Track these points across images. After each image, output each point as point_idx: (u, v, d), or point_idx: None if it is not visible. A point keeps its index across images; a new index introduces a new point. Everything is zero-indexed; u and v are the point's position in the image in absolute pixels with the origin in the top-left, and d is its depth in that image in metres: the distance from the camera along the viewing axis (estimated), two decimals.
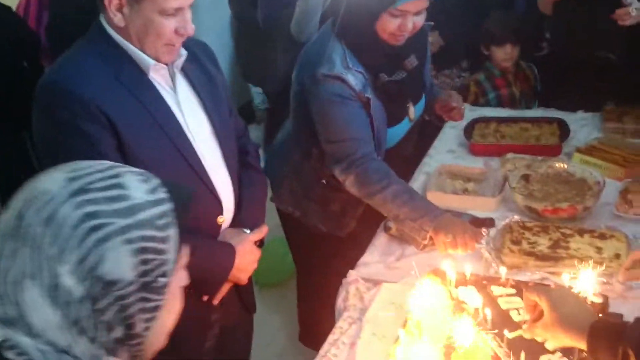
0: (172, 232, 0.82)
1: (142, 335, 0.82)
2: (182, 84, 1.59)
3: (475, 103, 3.03)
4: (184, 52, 1.57)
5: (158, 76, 1.53)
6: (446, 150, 2.58)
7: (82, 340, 0.77)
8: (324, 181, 2.10)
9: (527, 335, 1.29)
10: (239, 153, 1.78)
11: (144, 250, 0.77)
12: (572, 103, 2.75)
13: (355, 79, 1.92)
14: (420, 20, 1.92)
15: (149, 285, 0.79)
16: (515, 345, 1.38)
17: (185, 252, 0.86)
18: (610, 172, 2.21)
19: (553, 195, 2.05)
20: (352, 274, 1.84)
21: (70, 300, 0.74)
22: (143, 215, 0.78)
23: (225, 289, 1.68)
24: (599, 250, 1.80)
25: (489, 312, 1.49)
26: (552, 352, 1.35)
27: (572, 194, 2.04)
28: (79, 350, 0.77)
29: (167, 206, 0.81)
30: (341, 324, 1.69)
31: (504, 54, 3.01)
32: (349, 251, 1.99)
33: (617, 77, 2.76)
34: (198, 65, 1.66)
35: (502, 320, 1.51)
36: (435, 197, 2.10)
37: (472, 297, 1.58)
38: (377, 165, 1.93)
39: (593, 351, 1.13)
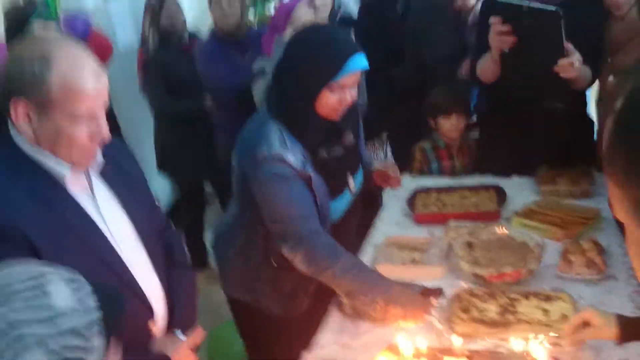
0: (98, 342, 0.81)
1: None
2: (100, 188, 1.56)
3: (420, 170, 3.14)
4: (100, 158, 1.53)
5: (75, 184, 1.48)
6: (391, 221, 2.63)
7: None
8: (274, 262, 2.08)
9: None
10: (164, 251, 1.74)
11: (65, 357, 0.76)
12: (507, 168, 2.85)
13: (294, 157, 1.94)
14: (355, 93, 1.98)
15: None
16: None
17: (115, 353, 0.85)
18: (549, 234, 2.29)
19: (497, 260, 2.10)
20: (306, 358, 1.82)
21: None
22: (67, 325, 0.77)
23: None
24: (546, 312, 1.84)
25: None
26: None
27: (515, 259, 2.09)
28: None
29: (94, 315, 0.81)
30: None
31: (450, 125, 3.12)
32: (303, 333, 1.96)
33: (561, 128, 2.75)
34: (115, 167, 1.62)
35: None
36: (385, 270, 2.12)
37: None
38: (325, 240, 1.95)
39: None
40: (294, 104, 1.96)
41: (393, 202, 2.76)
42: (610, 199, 0.67)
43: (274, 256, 2.07)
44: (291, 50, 1.98)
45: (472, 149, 3.20)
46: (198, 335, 1.70)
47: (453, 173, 3.14)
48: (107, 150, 1.56)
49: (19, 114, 1.37)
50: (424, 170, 3.17)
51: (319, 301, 2.12)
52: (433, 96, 3.21)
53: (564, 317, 1.80)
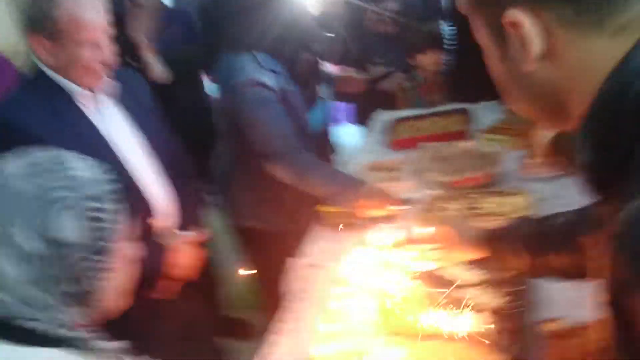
0: (116, 207, 1.00)
1: (92, 292, 0.99)
2: (112, 108, 1.83)
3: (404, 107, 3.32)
4: (112, 82, 1.81)
5: (87, 102, 1.76)
6: (370, 150, 2.82)
7: (41, 294, 0.93)
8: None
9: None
10: (175, 169, 1.98)
11: (89, 218, 0.95)
12: (476, 94, 3.02)
13: (268, 77, 2.15)
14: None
15: (96, 247, 0.96)
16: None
17: (128, 226, 1.05)
18: (512, 144, 2.49)
19: (463, 168, 2.30)
20: (291, 262, 2.03)
21: (32, 261, 0.91)
22: (88, 190, 0.96)
23: (169, 286, 1.88)
24: (502, 205, 2.04)
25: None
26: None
27: (478, 165, 2.30)
28: (41, 301, 0.93)
29: (108, 186, 1.00)
30: (286, 305, 1.88)
31: (427, 60, 3.28)
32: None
33: None
34: (128, 92, 1.89)
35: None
36: None
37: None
38: (303, 155, 2.18)
39: (495, 254, 1.37)
40: (252, 32, 2.16)
41: (371, 134, 2.95)
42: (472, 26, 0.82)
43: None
44: None
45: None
46: (201, 232, 1.98)
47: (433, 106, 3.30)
48: (124, 79, 1.86)
49: (37, 46, 1.66)
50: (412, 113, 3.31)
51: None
52: (409, 34, 3.37)
53: (519, 209, 2.01)
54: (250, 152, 2.22)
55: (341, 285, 1.77)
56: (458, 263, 1.58)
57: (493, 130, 2.65)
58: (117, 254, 1.01)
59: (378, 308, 1.61)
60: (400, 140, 2.77)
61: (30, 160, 0.96)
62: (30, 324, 0.91)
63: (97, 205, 0.97)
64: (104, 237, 0.97)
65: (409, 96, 3.34)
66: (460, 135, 2.66)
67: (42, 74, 1.71)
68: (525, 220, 1.36)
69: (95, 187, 0.98)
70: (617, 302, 0.65)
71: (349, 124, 4.09)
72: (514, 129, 2.60)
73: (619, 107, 0.65)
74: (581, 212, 1.20)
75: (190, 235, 1.96)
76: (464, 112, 2.87)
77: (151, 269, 1.80)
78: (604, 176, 0.68)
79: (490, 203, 2.07)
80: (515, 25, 0.68)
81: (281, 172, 2.18)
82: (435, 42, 3.29)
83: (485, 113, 2.91)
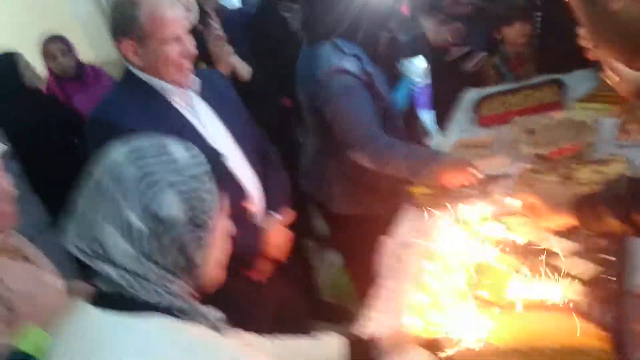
0: (212, 186, 1.08)
1: (198, 264, 1.08)
2: (199, 103, 1.93)
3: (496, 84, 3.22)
4: (196, 79, 1.91)
5: (178, 99, 1.86)
6: (459, 130, 2.80)
7: (153, 267, 1.02)
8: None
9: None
10: (261, 157, 2.09)
11: (190, 198, 1.04)
12: (569, 63, 2.92)
13: (351, 63, 2.18)
14: None
15: (198, 224, 1.05)
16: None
17: (226, 203, 1.13)
18: (609, 112, 2.40)
19: (556, 139, 2.24)
20: (384, 240, 2.06)
21: (142, 237, 1.00)
22: (189, 172, 1.05)
23: (264, 265, 1.98)
24: (602, 174, 1.98)
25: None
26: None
27: (574, 134, 2.23)
28: (152, 274, 1.02)
29: (205, 167, 1.09)
30: (381, 282, 1.92)
31: (515, 33, 3.16)
32: None
33: None
34: (214, 90, 2.00)
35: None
36: None
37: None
38: (385, 139, 2.19)
39: (582, 221, 1.34)
40: (333, 19, 2.21)
41: (459, 113, 2.93)
42: None
43: None
44: None
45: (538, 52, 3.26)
46: (289, 214, 2.08)
47: (525, 79, 3.21)
48: (206, 78, 1.96)
49: (126, 49, 1.78)
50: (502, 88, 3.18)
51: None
52: (494, 5, 3.28)
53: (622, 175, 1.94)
54: (338, 142, 2.26)
55: (432, 260, 1.79)
56: (547, 233, 1.56)
57: (588, 98, 2.57)
58: (215, 229, 1.09)
59: (469, 280, 1.62)
60: (491, 116, 2.73)
61: (135, 146, 1.06)
62: (139, 294, 1.01)
63: (197, 184, 1.05)
64: (203, 213, 1.05)
65: (499, 72, 3.26)
66: (554, 107, 2.59)
67: (133, 76, 1.82)
68: (614, 183, 1.33)
69: (194, 168, 1.06)
70: None
71: (428, 110, 4.01)
72: (609, 96, 2.50)
73: None
74: None
75: (279, 217, 2.06)
76: (557, 82, 2.79)
77: (247, 246, 1.90)
78: None
79: (588, 172, 2.01)
80: None
81: (364, 160, 2.21)
82: (522, 13, 3.18)
83: (579, 82, 2.81)
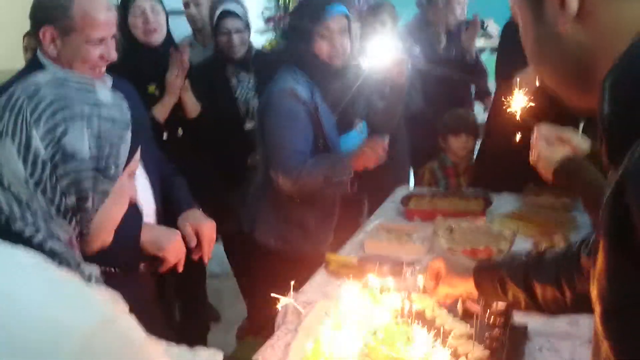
0: (127, 135, 1.05)
1: (91, 212, 1.03)
2: None
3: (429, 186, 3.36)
4: (109, 80, 1.92)
5: None
6: (384, 218, 2.86)
7: (39, 197, 0.97)
8: (297, 200, 2.48)
9: (433, 297, 1.54)
10: (160, 173, 2.09)
11: (101, 137, 1.00)
12: (500, 185, 3.07)
13: (303, 89, 2.38)
14: (346, 41, 2.43)
15: (102, 169, 1.01)
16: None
17: (136, 161, 1.10)
18: (526, 231, 2.51)
19: (472, 241, 2.32)
20: (289, 296, 2.04)
21: (37, 160, 0.96)
22: (107, 112, 1.03)
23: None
24: None
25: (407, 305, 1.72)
26: None
27: (489, 241, 2.32)
28: (36, 205, 0.97)
29: (127, 114, 1.07)
30: (278, 333, 1.89)
31: (459, 143, 3.34)
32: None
33: None
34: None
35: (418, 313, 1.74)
36: (371, 245, 2.38)
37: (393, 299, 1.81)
38: (306, 165, 2.41)
39: (478, 285, 1.38)
40: (298, 49, 2.44)
41: (388, 205, 3.01)
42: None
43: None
44: (293, 10, 2.60)
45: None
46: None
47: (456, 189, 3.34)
48: (117, 86, 1.92)
49: (47, 38, 1.78)
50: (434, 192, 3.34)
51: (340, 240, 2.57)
52: (445, 117, 3.46)
53: None
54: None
55: (332, 320, 1.78)
56: (444, 312, 1.58)
57: (510, 215, 2.68)
58: (118, 185, 1.05)
59: (365, 343, 1.62)
60: (415, 211, 2.80)
61: (61, 75, 1.04)
62: (14, 222, 0.95)
63: (111, 127, 1.02)
64: (109, 158, 1.02)
65: (435, 176, 3.40)
66: (476, 215, 2.69)
67: (40, 66, 1.80)
68: (513, 255, 1.39)
69: (114, 111, 1.03)
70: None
71: None
72: (531, 218, 2.63)
73: None
74: (569, 251, 1.23)
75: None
76: (484, 196, 2.91)
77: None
78: (619, 133, 0.68)
79: None
80: None
81: (284, 183, 2.39)
82: (470, 127, 3.37)
83: (505, 202, 2.94)
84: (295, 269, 2.42)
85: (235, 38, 3.13)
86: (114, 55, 1.84)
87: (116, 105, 1.05)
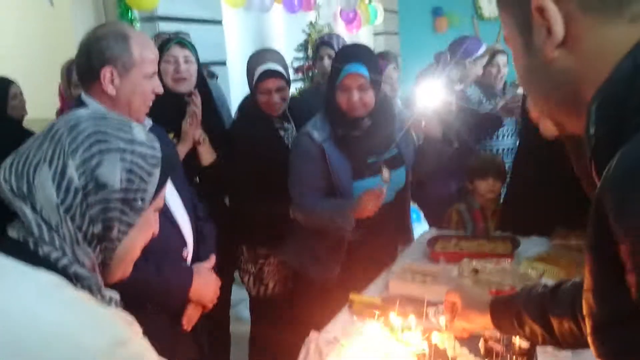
0: (156, 173, 1.11)
1: (115, 241, 1.07)
2: None
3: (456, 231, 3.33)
4: (149, 122, 2.07)
5: None
6: (410, 260, 2.85)
7: (68, 223, 1.02)
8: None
9: (450, 332, 1.54)
10: (194, 212, 2.22)
11: (132, 171, 1.06)
12: (529, 228, 3.04)
13: (318, 134, 2.61)
14: (366, 96, 2.60)
15: (130, 201, 1.06)
16: None
17: (162, 197, 1.15)
18: (552, 274, 2.47)
19: (497, 282, 2.30)
20: (314, 334, 2.04)
21: (70, 188, 1.01)
22: (140, 149, 1.08)
23: (193, 312, 2.04)
24: None
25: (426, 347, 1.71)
26: None
27: (515, 282, 2.29)
28: (65, 230, 1.02)
29: (158, 153, 1.12)
30: None
31: (487, 186, 3.33)
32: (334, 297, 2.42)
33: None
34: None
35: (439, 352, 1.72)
36: (395, 285, 2.37)
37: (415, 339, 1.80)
38: (313, 200, 2.69)
39: (495, 319, 1.37)
40: (326, 99, 2.74)
41: (416, 245, 3.00)
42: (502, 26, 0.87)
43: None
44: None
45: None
46: (212, 259, 2.21)
47: (483, 233, 3.31)
48: (154, 130, 2.02)
49: (107, 78, 1.87)
50: (459, 232, 3.32)
51: (348, 271, 2.76)
52: (472, 160, 3.47)
53: None
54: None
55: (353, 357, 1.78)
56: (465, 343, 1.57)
57: (537, 258, 2.65)
58: (143, 215, 1.10)
59: None
60: (441, 253, 2.79)
61: (101, 113, 1.10)
62: (43, 246, 1.00)
63: (143, 163, 1.08)
64: (138, 192, 1.07)
65: (462, 219, 3.38)
66: (503, 258, 2.67)
67: (84, 105, 1.90)
68: (529, 289, 1.38)
69: (146, 149, 1.09)
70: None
71: None
72: (557, 260, 2.60)
73: (630, 84, 0.68)
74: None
75: (208, 261, 2.18)
76: (511, 239, 2.89)
77: (179, 285, 2.03)
78: (605, 153, 0.69)
79: None
80: (541, 10, 0.75)
81: (297, 216, 2.71)
82: (497, 170, 3.36)
83: (533, 245, 2.91)
84: (309, 291, 2.83)
85: (276, 97, 3.02)
86: (161, 89, 2.00)
87: (149, 144, 1.11)
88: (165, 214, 1.92)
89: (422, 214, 4.46)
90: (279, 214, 2.88)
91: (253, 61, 3.09)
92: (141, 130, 1.12)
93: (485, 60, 4.21)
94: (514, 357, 1.67)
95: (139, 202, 1.08)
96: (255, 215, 2.99)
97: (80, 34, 2.06)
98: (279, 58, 3.10)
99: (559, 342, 1.30)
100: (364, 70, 2.59)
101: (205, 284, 2.09)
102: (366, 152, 2.71)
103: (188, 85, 2.93)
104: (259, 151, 2.93)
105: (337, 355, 1.89)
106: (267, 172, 2.91)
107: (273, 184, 2.87)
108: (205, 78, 3.29)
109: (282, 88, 3.01)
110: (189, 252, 2.09)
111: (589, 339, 0.70)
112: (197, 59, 3.00)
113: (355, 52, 2.72)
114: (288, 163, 2.78)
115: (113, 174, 1.04)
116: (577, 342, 1.25)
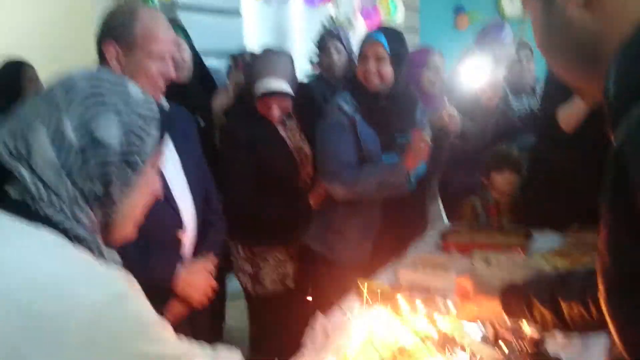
0: (154, 133, 1.10)
1: (116, 201, 1.06)
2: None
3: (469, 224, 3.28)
4: (165, 103, 2.01)
5: None
6: (423, 250, 2.83)
7: (68, 184, 1.01)
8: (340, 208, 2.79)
9: (459, 317, 1.51)
10: (203, 195, 2.16)
11: (130, 131, 1.05)
12: (541, 221, 3.01)
13: (347, 105, 2.74)
14: (383, 68, 2.64)
15: (128, 161, 1.05)
16: None
17: (160, 158, 1.14)
18: (565, 267, 2.44)
19: (510, 273, 2.26)
20: (320, 316, 2.03)
21: (68, 147, 1.00)
22: (137, 108, 1.07)
23: (178, 308, 1.98)
24: None
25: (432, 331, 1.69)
26: None
27: (527, 274, 2.25)
28: (63, 191, 1.00)
29: (156, 114, 1.11)
30: (304, 351, 1.88)
31: (503, 180, 3.24)
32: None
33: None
34: (178, 126, 2.08)
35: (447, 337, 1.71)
36: (404, 274, 2.35)
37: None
38: (355, 170, 2.70)
39: (505, 305, 1.35)
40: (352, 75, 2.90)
41: (426, 238, 2.98)
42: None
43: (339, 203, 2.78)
44: None
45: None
46: (211, 258, 2.13)
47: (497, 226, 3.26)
48: (174, 110, 2.04)
49: (110, 52, 1.84)
50: (473, 226, 3.23)
51: (380, 250, 2.74)
52: (489, 153, 3.40)
53: None
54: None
55: (358, 339, 1.76)
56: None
57: (550, 253, 2.62)
58: (144, 176, 1.09)
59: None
60: (453, 244, 2.77)
61: (96, 73, 1.09)
62: (43, 207, 0.99)
63: (141, 122, 1.06)
64: (138, 153, 1.06)
65: (475, 212, 3.34)
66: (516, 250, 2.64)
67: None
68: (539, 275, 1.37)
69: (144, 108, 1.08)
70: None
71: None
72: (571, 257, 2.56)
73: None
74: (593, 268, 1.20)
75: (206, 260, 2.11)
76: (525, 233, 2.85)
77: (164, 272, 1.96)
78: (623, 107, 0.68)
79: None
80: None
81: (337, 190, 2.65)
82: (514, 163, 3.31)
83: (547, 239, 2.88)
84: (333, 273, 2.74)
85: (277, 111, 2.80)
86: (172, 74, 1.90)
87: (146, 103, 1.10)
88: (165, 192, 1.89)
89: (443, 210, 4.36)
90: (286, 210, 2.81)
91: (255, 69, 2.80)
92: (137, 90, 1.10)
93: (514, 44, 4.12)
94: (523, 344, 1.65)
95: (138, 162, 1.07)
96: (253, 214, 2.80)
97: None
98: (285, 68, 2.77)
99: (568, 326, 1.28)
100: (383, 40, 2.65)
101: (194, 281, 2.01)
102: (392, 128, 2.76)
103: (184, 73, 2.88)
104: (258, 149, 2.78)
105: (343, 340, 1.87)
106: (267, 170, 2.79)
107: (274, 182, 2.79)
108: (206, 67, 3.25)
109: (282, 103, 2.78)
110: (187, 237, 2.03)
111: (602, 301, 0.68)
112: (192, 47, 2.95)
113: (379, 28, 2.85)
114: (289, 159, 2.80)
115: (111, 132, 1.02)
116: (587, 326, 1.23)
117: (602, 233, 0.68)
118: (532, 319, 1.36)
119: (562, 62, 0.82)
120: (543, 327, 1.39)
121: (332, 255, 2.80)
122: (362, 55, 2.71)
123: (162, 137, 1.12)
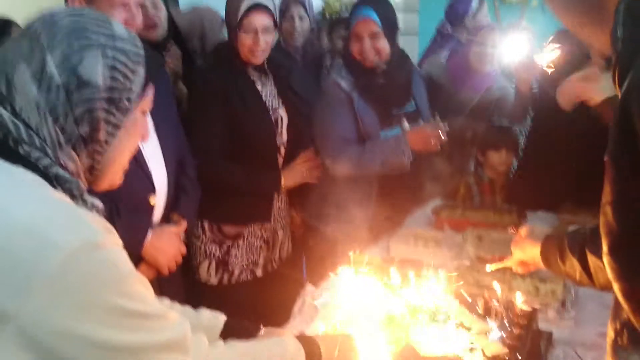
0: (140, 71, 1.05)
1: (103, 144, 1.02)
2: None
3: (463, 203, 3.22)
4: None
5: None
6: (416, 225, 2.80)
7: (49, 124, 0.96)
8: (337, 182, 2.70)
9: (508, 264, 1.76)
10: (179, 166, 2.11)
11: (115, 68, 1.00)
12: (535, 202, 2.99)
13: (345, 82, 2.68)
14: (378, 43, 2.61)
15: (115, 101, 1.00)
16: None
17: (149, 99, 1.09)
18: None
19: (501, 250, 2.24)
20: (310, 288, 2.01)
21: (51, 86, 0.96)
22: (121, 45, 1.02)
23: (145, 272, 1.91)
24: (537, 289, 1.97)
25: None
26: None
27: None
28: (45, 131, 0.96)
29: (141, 50, 1.06)
30: (293, 322, 1.86)
31: (499, 158, 3.18)
32: None
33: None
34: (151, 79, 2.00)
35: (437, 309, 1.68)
36: (399, 248, 2.33)
37: None
38: (356, 147, 2.66)
39: (543, 252, 1.50)
40: (344, 50, 2.84)
41: (419, 214, 2.94)
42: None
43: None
44: None
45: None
46: (181, 223, 2.09)
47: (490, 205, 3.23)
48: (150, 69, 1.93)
49: (74, 2, 1.76)
50: (467, 205, 3.18)
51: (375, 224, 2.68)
52: (485, 131, 3.33)
53: (553, 294, 1.94)
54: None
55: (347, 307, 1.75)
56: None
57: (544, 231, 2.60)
58: (132, 120, 1.05)
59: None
60: (447, 220, 2.74)
61: (79, 10, 1.04)
62: (22, 146, 0.94)
63: (126, 59, 1.02)
64: (124, 91, 1.01)
65: (469, 191, 3.31)
66: (509, 227, 2.61)
67: None
68: (580, 227, 1.41)
69: (128, 45, 1.03)
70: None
71: None
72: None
73: None
74: None
75: (176, 225, 2.07)
76: (518, 212, 2.82)
77: (133, 236, 1.88)
78: (631, 52, 0.68)
79: (524, 284, 2.00)
80: None
81: (340, 168, 2.61)
82: (511, 141, 3.26)
83: (540, 220, 2.85)
84: (328, 247, 2.69)
85: (262, 39, 2.51)
86: (139, 21, 1.82)
87: (130, 40, 1.05)
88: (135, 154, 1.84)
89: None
90: (259, 179, 2.61)
91: None
92: (121, 27, 1.05)
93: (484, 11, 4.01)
94: (515, 318, 1.63)
95: (125, 102, 1.02)
96: (222, 179, 2.51)
97: None
98: None
99: (592, 281, 1.31)
100: (374, 16, 2.58)
101: (162, 246, 1.95)
102: (390, 103, 2.72)
103: (159, 31, 2.59)
104: (232, 101, 2.50)
105: (332, 311, 1.85)
106: (240, 128, 2.51)
107: (247, 144, 2.53)
108: (179, 26, 2.89)
109: (269, 29, 2.51)
110: (157, 201, 1.97)
111: (605, 259, 0.66)
112: (166, 5, 2.67)
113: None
114: (265, 119, 2.55)
115: (95, 70, 0.98)
116: (609, 283, 1.23)
117: (605, 190, 0.66)
118: (564, 270, 1.41)
119: (569, 13, 0.80)
120: (571, 278, 1.43)
121: (327, 229, 2.74)
122: (355, 34, 2.63)
123: (150, 78, 1.07)
